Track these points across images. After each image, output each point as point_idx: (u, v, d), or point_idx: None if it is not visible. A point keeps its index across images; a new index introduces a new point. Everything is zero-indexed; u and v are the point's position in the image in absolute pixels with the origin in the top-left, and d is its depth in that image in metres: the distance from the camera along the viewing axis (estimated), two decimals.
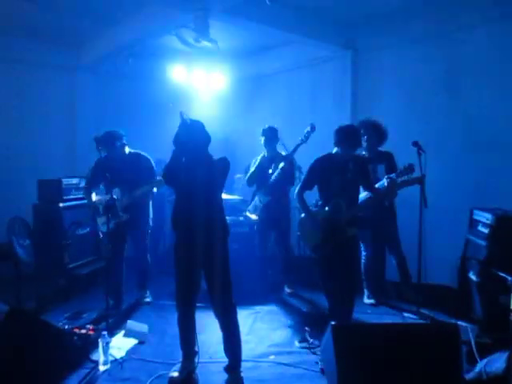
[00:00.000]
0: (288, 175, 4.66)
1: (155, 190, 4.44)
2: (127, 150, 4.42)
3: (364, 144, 4.32)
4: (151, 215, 4.62)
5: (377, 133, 4.32)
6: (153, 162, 4.53)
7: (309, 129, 4.38)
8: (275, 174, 4.64)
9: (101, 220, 4.33)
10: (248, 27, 5.18)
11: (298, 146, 4.49)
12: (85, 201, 5.22)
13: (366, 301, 4.51)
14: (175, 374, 3.02)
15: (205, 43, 4.75)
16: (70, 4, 4.84)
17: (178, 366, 3.09)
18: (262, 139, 4.79)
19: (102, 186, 4.52)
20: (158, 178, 4.28)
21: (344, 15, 5.33)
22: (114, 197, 4.00)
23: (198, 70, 6.18)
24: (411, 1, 4.83)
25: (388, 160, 4.31)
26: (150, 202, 4.61)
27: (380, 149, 4.41)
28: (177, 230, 3.07)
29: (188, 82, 6.20)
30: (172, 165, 3.01)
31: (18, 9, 4.86)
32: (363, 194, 4.06)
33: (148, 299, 4.61)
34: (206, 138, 3.03)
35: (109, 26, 5.53)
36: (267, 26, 4.99)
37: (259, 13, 4.67)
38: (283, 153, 4.78)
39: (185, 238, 3.03)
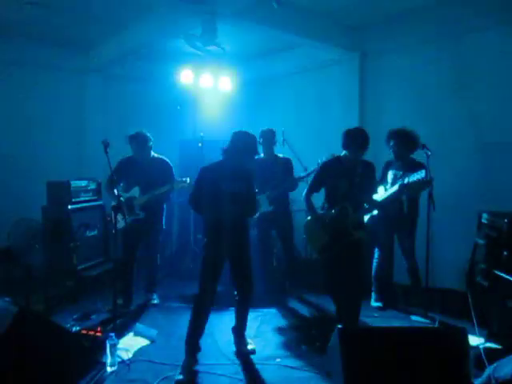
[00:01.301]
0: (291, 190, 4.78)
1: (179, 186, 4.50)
2: (152, 153, 4.51)
3: (393, 153, 4.30)
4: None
5: (403, 140, 4.22)
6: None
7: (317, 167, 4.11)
8: (279, 189, 4.66)
9: (119, 216, 4.37)
10: (255, 30, 5.20)
11: (300, 178, 4.64)
12: (93, 203, 5.32)
13: (374, 304, 4.49)
14: (181, 376, 3.03)
15: (212, 47, 4.77)
16: (80, 8, 4.89)
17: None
18: (261, 140, 4.70)
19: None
20: (179, 178, 4.42)
21: (352, 18, 5.33)
22: (122, 199, 4.01)
23: (205, 72, 6.20)
24: (419, 3, 4.82)
25: (417, 169, 3.91)
26: (165, 205, 4.68)
27: (413, 156, 4.27)
28: (208, 237, 3.39)
29: (195, 85, 6.23)
30: (208, 171, 3.34)
31: (28, 13, 4.92)
32: (379, 195, 4.07)
33: (155, 301, 4.62)
34: (255, 152, 3.41)
35: (117, 29, 5.58)
36: (275, 29, 5.01)
37: (267, 16, 4.69)
38: (280, 155, 4.81)
39: (215, 240, 3.34)
